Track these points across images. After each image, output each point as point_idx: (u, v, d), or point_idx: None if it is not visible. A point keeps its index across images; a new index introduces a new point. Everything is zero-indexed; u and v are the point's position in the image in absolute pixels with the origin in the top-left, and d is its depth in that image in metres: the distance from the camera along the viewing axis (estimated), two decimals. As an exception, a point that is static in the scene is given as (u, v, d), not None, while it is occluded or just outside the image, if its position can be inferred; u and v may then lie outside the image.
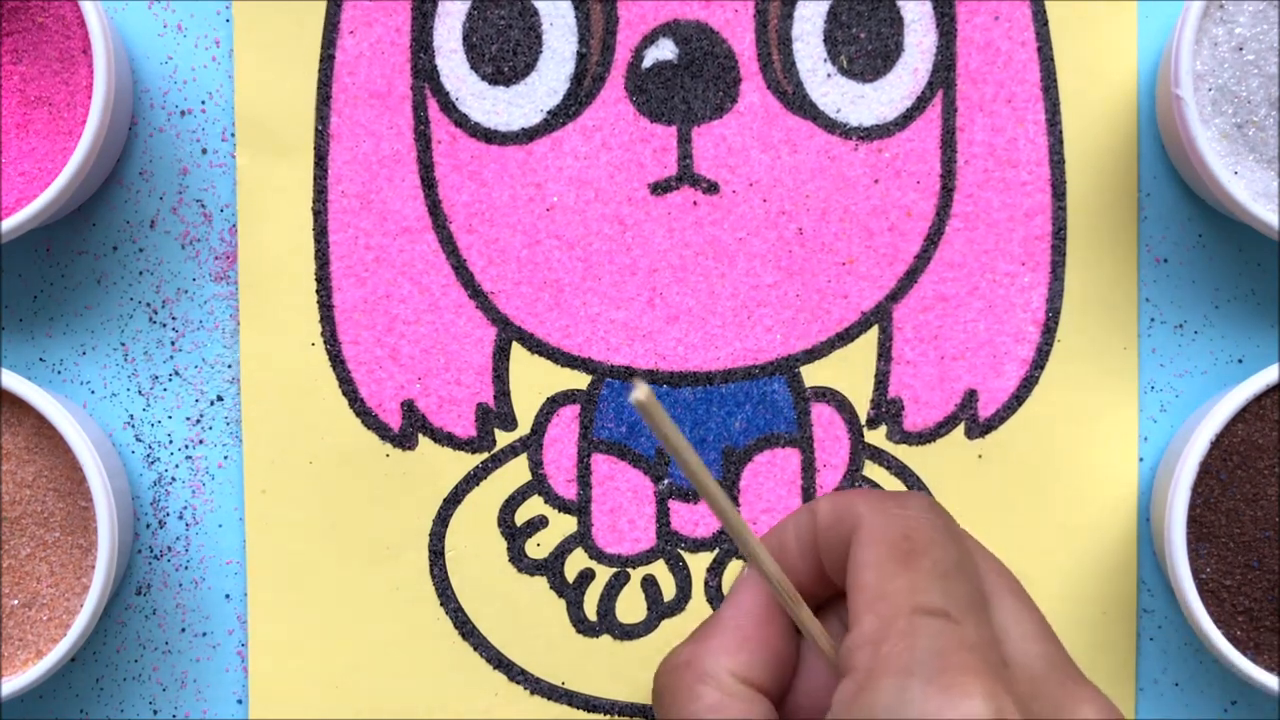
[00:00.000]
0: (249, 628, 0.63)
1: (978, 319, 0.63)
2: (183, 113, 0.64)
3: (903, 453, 0.63)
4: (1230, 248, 0.64)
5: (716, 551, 0.64)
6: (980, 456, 0.63)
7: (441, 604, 0.64)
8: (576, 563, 0.64)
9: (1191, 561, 0.59)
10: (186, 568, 0.64)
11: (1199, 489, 0.59)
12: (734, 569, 0.64)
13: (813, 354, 0.63)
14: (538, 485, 0.64)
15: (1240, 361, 0.64)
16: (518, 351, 0.64)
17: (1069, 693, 0.50)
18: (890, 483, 0.63)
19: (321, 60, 0.63)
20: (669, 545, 0.64)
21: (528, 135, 0.63)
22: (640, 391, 0.46)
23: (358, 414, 0.64)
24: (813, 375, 0.63)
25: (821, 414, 0.63)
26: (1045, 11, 0.63)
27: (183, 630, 0.64)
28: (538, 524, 0.64)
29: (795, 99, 0.63)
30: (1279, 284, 0.64)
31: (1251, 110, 0.59)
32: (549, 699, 0.64)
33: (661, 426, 0.47)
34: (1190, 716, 0.63)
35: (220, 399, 0.64)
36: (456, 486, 0.64)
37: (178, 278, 0.64)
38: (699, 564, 0.64)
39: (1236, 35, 0.59)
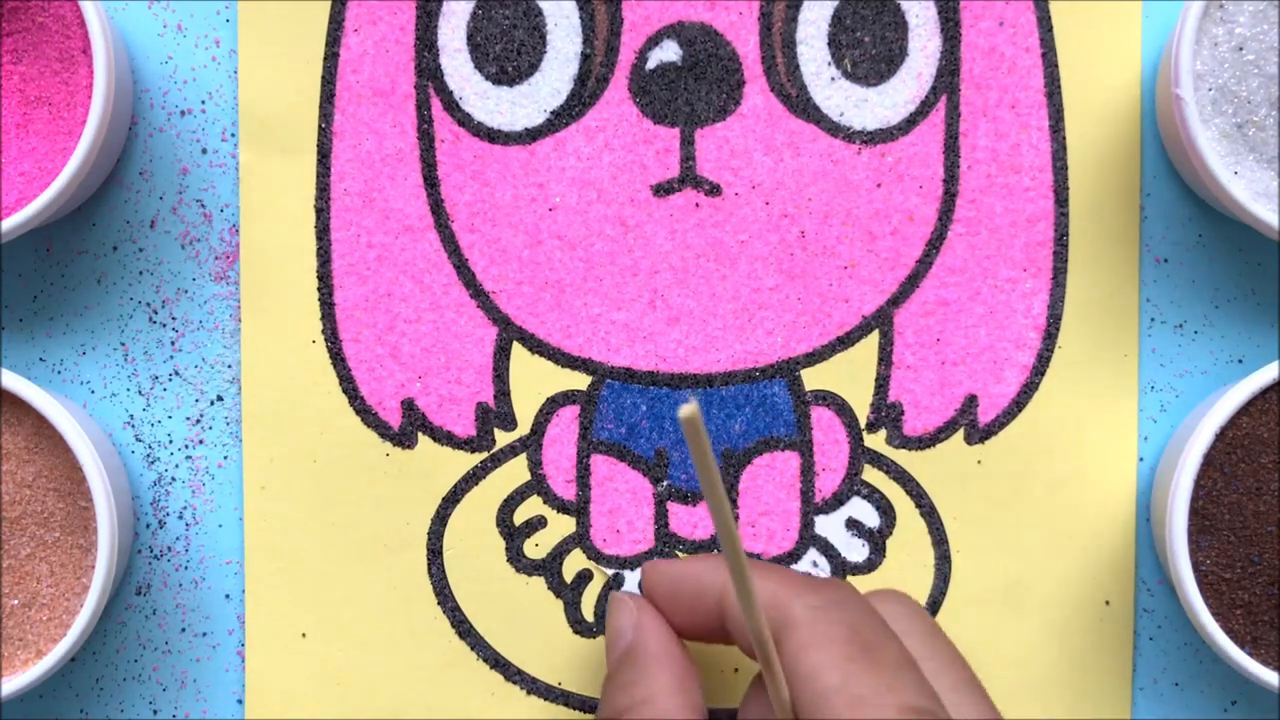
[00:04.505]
0: (246, 625, 0.63)
1: (979, 324, 0.63)
2: (183, 113, 0.63)
3: (902, 457, 0.63)
4: (1230, 248, 0.64)
5: (715, 554, 0.64)
6: (980, 462, 0.63)
7: (439, 603, 0.64)
8: (575, 563, 0.64)
9: (1192, 554, 0.59)
10: (186, 568, 0.64)
11: (1202, 481, 0.60)
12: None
13: (813, 357, 0.63)
14: (537, 485, 0.64)
15: (1240, 361, 0.64)
16: (518, 351, 0.64)
17: None
18: (889, 487, 0.64)
19: (325, 58, 0.63)
20: (667, 547, 0.64)
21: (531, 135, 0.63)
22: (688, 409, 0.44)
23: (358, 412, 0.64)
24: (813, 378, 0.63)
25: (821, 417, 0.63)
26: (1050, 17, 0.62)
27: (183, 630, 0.64)
28: (536, 524, 0.64)
29: (799, 102, 0.63)
30: (1279, 284, 0.64)
31: (1251, 110, 0.59)
32: (545, 699, 0.64)
33: (701, 449, 0.46)
34: (1190, 716, 0.64)
35: (220, 399, 0.64)
36: (455, 486, 0.64)
37: (178, 278, 0.63)
38: (698, 565, 0.64)
39: (1236, 35, 0.59)
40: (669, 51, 0.63)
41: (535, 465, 0.64)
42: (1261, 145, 0.59)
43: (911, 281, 0.63)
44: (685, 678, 0.55)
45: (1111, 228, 0.63)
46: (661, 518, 0.64)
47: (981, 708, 0.53)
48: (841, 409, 0.64)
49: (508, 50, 0.63)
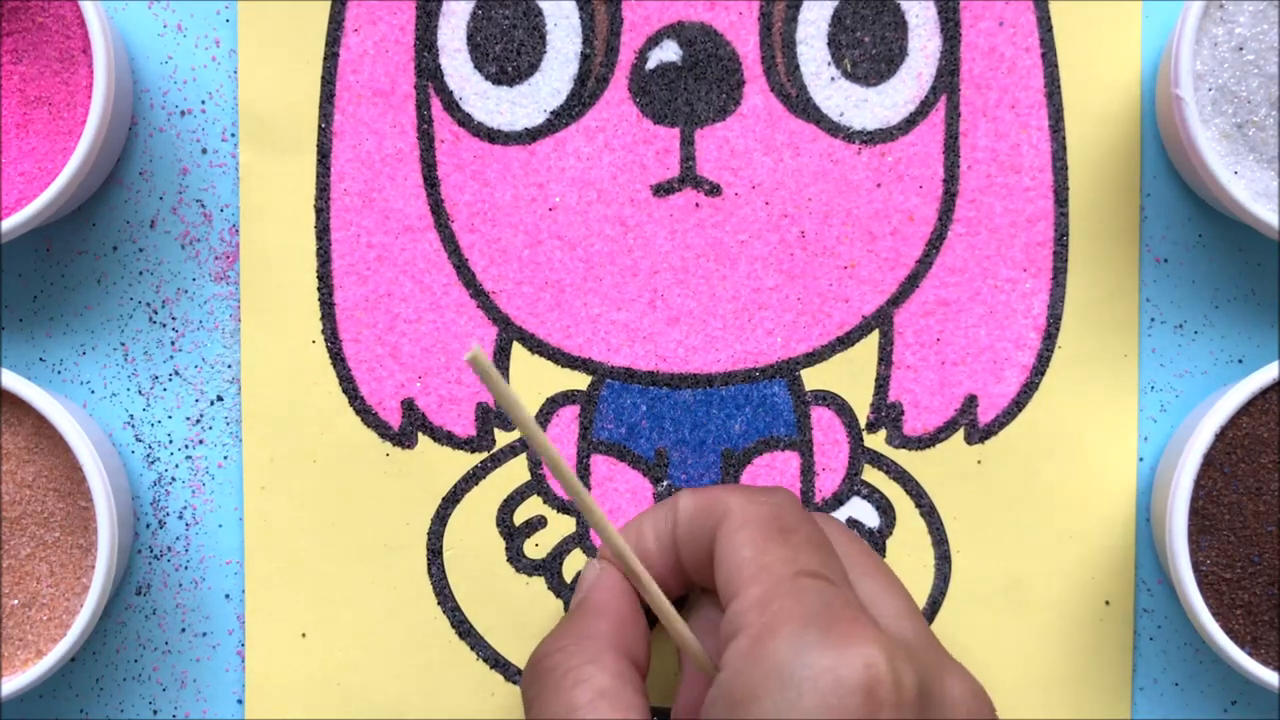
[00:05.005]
0: (246, 625, 0.63)
1: (979, 324, 0.63)
2: (183, 113, 0.63)
3: (902, 457, 0.63)
4: (1230, 248, 0.64)
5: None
6: (980, 462, 0.63)
7: (439, 603, 0.64)
8: (575, 563, 0.64)
9: (1192, 554, 0.59)
10: (186, 568, 0.64)
11: (1202, 481, 0.59)
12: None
13: (813, 357, 0.63)
14: (537, 485, 0.64)
15: (1240, 361, 0.64)
16: (518, 351, 0.64)
17: (941, 665, 0.53)
18: (890, 488, 0.63)
19: (325, 58, 0.63)
20: (668, 547, 0.64)
21: (530, 135, 0.63)
22: (473, 351, 0.49)
23: (358, 412, 0.64)
24: (813, 378, 0.63)
25: (821, 417, 0.63)
26: (1050, 17, 0.62)
27: (183, 630, 0.64)
28: (536, 524, 0.64)
29: (798, 102, 0.63)
30: (1279, 284, 0.64)
31: (1251, 110, 0.59)
32: (547, 699, 0.64)
33: (496, 384, 0.50)
34: (1190, 716, 0.63)
35: (220, 399, 0.64)
36: (455, 485, 0.64)
37: (178, 278, 0.63)
38: (698, 565, 0.64)
39: (1236, 35, 0.59)
40: (669, 51, 0.63)
41: (535, 465, 0.64)
42: (1261, 145, 0.59)
43: (911, 281, 0.63)
44: (627, 626, 0.57)
45: (1111, 228, 0.63)
46: (661, 518, 0.64)
47: (892, 594, 0.56)
48: (841, 409, 0.64)
49: (508, 50, 0.63)
